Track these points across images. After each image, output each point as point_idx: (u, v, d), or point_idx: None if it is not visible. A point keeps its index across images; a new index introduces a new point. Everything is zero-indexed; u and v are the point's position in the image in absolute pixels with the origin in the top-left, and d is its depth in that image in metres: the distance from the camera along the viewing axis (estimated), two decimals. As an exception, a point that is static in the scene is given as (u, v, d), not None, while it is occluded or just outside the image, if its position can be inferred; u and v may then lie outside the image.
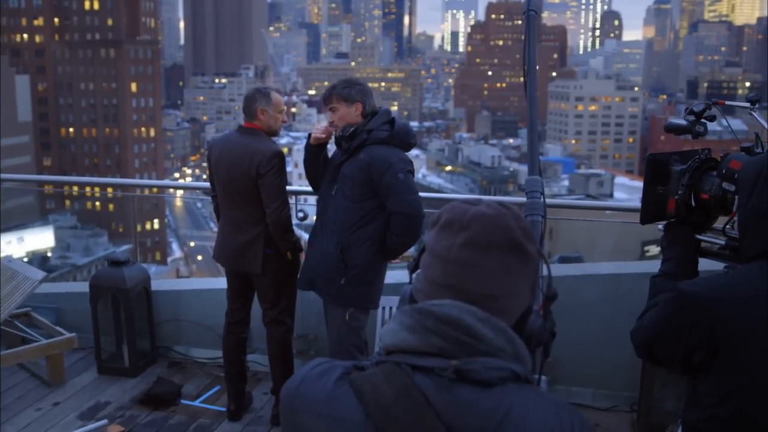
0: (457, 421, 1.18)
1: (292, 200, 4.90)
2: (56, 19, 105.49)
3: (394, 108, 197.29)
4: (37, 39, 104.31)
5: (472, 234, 1.26)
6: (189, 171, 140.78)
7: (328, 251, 3.93)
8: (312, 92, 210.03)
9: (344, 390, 1.24)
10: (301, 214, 4.93)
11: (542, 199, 1.79)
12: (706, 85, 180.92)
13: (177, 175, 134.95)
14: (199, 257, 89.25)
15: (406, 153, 3.95)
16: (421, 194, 3.96)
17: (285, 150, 4.30)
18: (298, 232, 4.47)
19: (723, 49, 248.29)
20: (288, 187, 4.36)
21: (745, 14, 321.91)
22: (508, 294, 1.28)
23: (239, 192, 4.23)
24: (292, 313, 4.55)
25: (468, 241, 1.26)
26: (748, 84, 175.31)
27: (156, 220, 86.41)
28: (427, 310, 1.24)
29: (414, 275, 1.37)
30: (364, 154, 3.82)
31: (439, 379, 1.20)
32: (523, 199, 1.84)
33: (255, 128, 4.26)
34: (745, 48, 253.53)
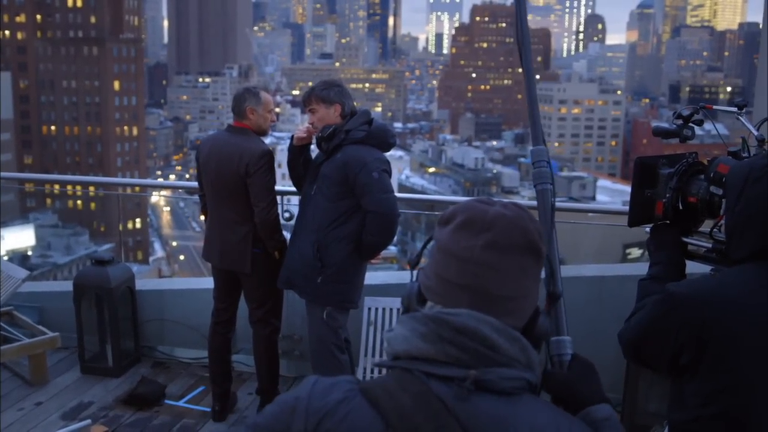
0: (477, 430, 1.18)
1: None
2: (38, 16, 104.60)
3: (378, 109, 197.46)
4: (19, 36, 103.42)
5: (494, 235, 1.25)
6: (173, 176, 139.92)
7: (305, 250, 3.99)
8: (296, 92, 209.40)
9: (357, 401, 1.22)
10: (287, 215, 4.93)
11: (549, 168, 1.78)
12: (688, 89, 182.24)
13: (159, 172, 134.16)
14: (181, 257, 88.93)
15: (385, 153, 4.01)
16: (404, 195, 4.00)
17: (269, 150, 4.33)
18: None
19: (705, 54, 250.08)
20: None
21: (727, 20, 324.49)
22: (523, 295, 1.28)
23: (228, 191, 4.23)
24: (278, 313, 4.55)
25: (490, 242, 1.25)
26: (729, 89, 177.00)
27: (138, 220, 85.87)
28: (443, 319, 1.23)
29: (418, 272, 1.36)
30: (341, 154, 3.88)
31: (457, 387, 1.19)
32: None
33: (244, 127, 4.27)
34: (726, 53, 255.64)
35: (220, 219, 4.35)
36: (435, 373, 1.21)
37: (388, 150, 4.03)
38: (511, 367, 1.23)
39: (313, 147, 4.18)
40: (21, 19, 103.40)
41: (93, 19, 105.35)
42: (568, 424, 1.25)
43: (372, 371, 4.65)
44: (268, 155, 4.22)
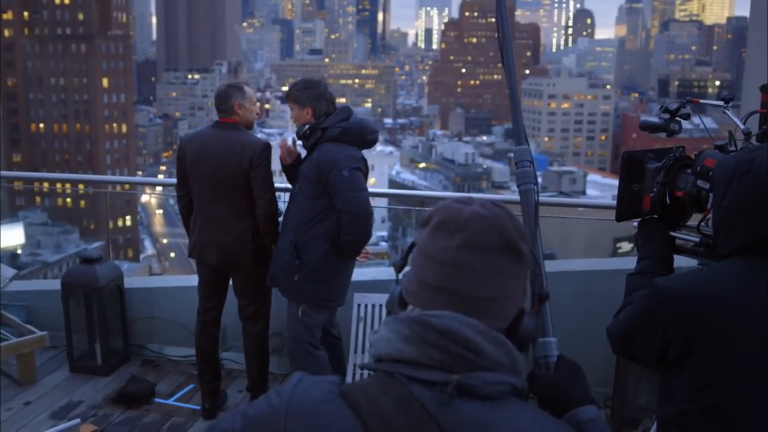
0: None
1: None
2: (26, 13, 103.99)
3: (368, 105, 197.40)
4: (7, 33, 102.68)
5: (468, 235, 1.23)
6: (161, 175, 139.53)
7: (284, 248, 4.05)
8: (285, 88, 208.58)
9: (337, 404, 1.20)
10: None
11: (532, 168, 1.77)
12: (677, 83, 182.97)
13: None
14: (172, 254, 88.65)
15: (366, 149, 4.03)
16: (395, 191, 4.00)
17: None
18: None
19: (693, 48, 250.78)
20: None
21: (716, 14, 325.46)
22: (503, 296, 1.26)
23: (226, 186, 4.22)
24: (269, 310, 4.55)
25: (465, 242, 1.23)
26: (718, 83, 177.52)
27: (128, 217, 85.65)
28: (426, 321, 1.21)
29: (402, 275, 1.35)
30: (317, 152, 3.93)
31: (439, 392, 1.17)
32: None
33: (234, 122, 4.27)
34: (715, 47, 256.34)
35: (214, 216, 4.31)
36: (417, 377, 1.19)
37: (369, 146, 4.05)
38: (495, 371, 1.20)
39: None
40: (8, 16, 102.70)
41: (81, 16, 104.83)
42: (554, 428, 1.24)
43: (361, 369, 4.64)
44: (269, 148, 4.27)
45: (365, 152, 4.08)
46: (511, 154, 1.86)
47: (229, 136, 4.23)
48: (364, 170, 3.99)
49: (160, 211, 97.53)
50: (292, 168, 4.22)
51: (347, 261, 4.13)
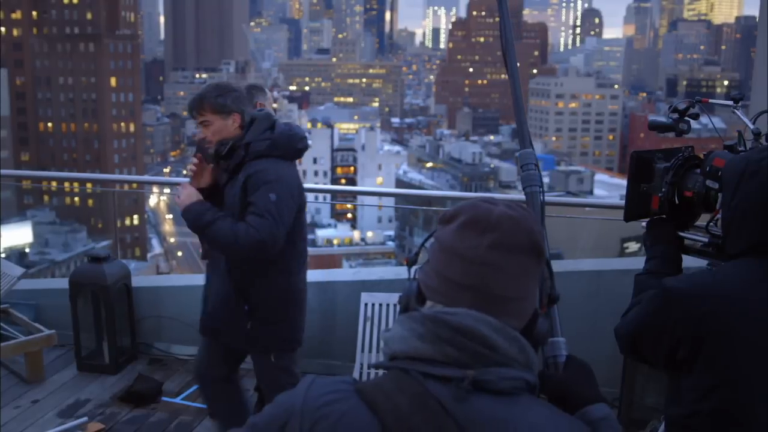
0: (475, 431, 1.17)
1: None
2: (34, 13, 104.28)
3: (375, 104, 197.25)
4: (15, 32, 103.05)
5: (499, 235, 1.24)
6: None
7: (224, 293, 3.40)
8: (293, 88, 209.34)
9: (353, 402, 1.21)
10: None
11: (537, 171, 1.79)
12: (685, 83, 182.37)
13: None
14: (179, 253, 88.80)
15: (295, 163, 3.43)
16: (402, 191, 3.95)
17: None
18: None
19: (702, 47, 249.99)
20: None
21: (724, 13, 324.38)
22: (524, 296, 1.28)
23: None
24: None
25: (496, 242, 1.24)
26: (726, 82, 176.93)
27: (136, 216, 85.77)
28: (441, 319, 1.22)
29: (416, 270, 1.35)
30: (243, 173, 3.24)
31: (455, 388, 1.18)
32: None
33: None
34: (723, 47, 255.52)
35: None
36: (433, 373, 1.19)
37: (298, 157, 3.43)
38: (510, 367, 1.22)
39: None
40: (17, 15, 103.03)
41: (89, 16, 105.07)
42: (567, 423, 1.25)
43: (369, 368, 4.63)
44: None
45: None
46: (519, 154, 1.87)
47: None
48: (297, 200, 3.33)
49: (170, 216, 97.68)
50: (209, 194, 3.35)
51: (301, 289, 3.53)
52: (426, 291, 1.30)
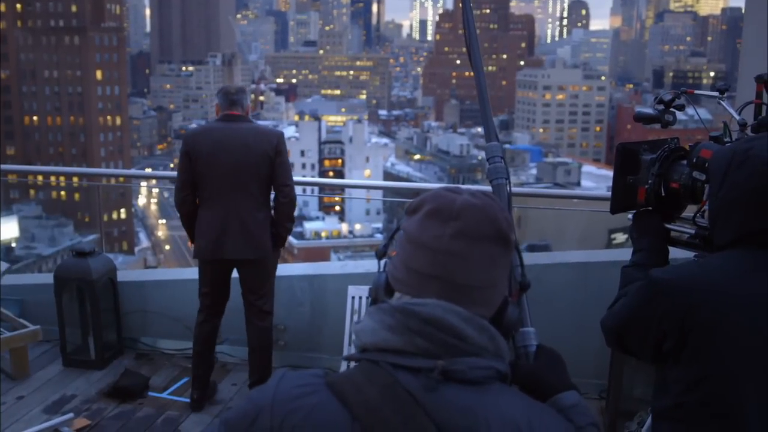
0: (446, 420, 1.17)
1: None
2: (18, 5, 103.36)
3: (363, 96, 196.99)
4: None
5: (462, 224, 1.24)
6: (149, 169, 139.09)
7: None
8: (280, 80, 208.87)
9: (323, 395, 1.21)
10: None
11: (503, 163, 1.80)
12: (671, 74, 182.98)
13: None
14: (167, 247, 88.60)
15: None
16: (390, 183, 3.96)
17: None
18: None
19: (688, 39, 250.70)
20: None
21: (710, 5, 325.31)
22: (492, 285, 1.27)
23: (251, 175, 4.27)
24: (273, 304, 4.59)
25: (459, 231, 1.24)
26: (712, 73, 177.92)
27: (123, 210, 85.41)
28: (410, 310, 1.22)
29: (385, 262, 1.35)
30: None
31: (425, 378, 1.18)
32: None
33: (244, 116, 4.37)
34: (709, 38, 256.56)
35: (235, 208, 4.30)
36: (403, 364, 1.19)
37: None
38: (480, 356, 1.21)
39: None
40: (1, 8, 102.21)
41: (74, 8, 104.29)
42: (539, 411, 1.26)
43: (346, 360, 4.62)
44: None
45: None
46: (507, 145, 1.87)
47: (248, 126, 4.34)
48: None
49: (153, 198, 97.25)
50: None
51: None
52: (394, 282, 1.29)
